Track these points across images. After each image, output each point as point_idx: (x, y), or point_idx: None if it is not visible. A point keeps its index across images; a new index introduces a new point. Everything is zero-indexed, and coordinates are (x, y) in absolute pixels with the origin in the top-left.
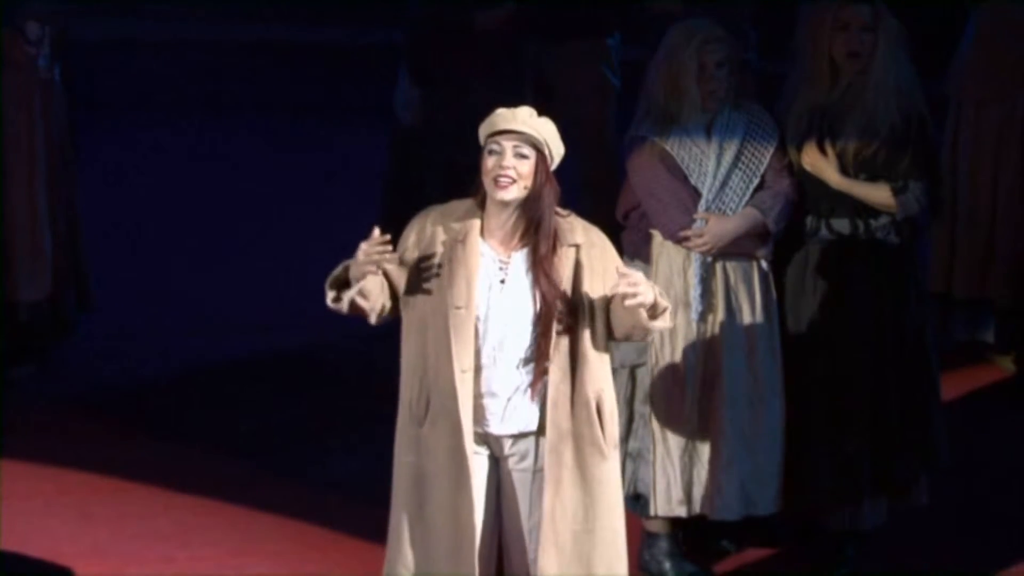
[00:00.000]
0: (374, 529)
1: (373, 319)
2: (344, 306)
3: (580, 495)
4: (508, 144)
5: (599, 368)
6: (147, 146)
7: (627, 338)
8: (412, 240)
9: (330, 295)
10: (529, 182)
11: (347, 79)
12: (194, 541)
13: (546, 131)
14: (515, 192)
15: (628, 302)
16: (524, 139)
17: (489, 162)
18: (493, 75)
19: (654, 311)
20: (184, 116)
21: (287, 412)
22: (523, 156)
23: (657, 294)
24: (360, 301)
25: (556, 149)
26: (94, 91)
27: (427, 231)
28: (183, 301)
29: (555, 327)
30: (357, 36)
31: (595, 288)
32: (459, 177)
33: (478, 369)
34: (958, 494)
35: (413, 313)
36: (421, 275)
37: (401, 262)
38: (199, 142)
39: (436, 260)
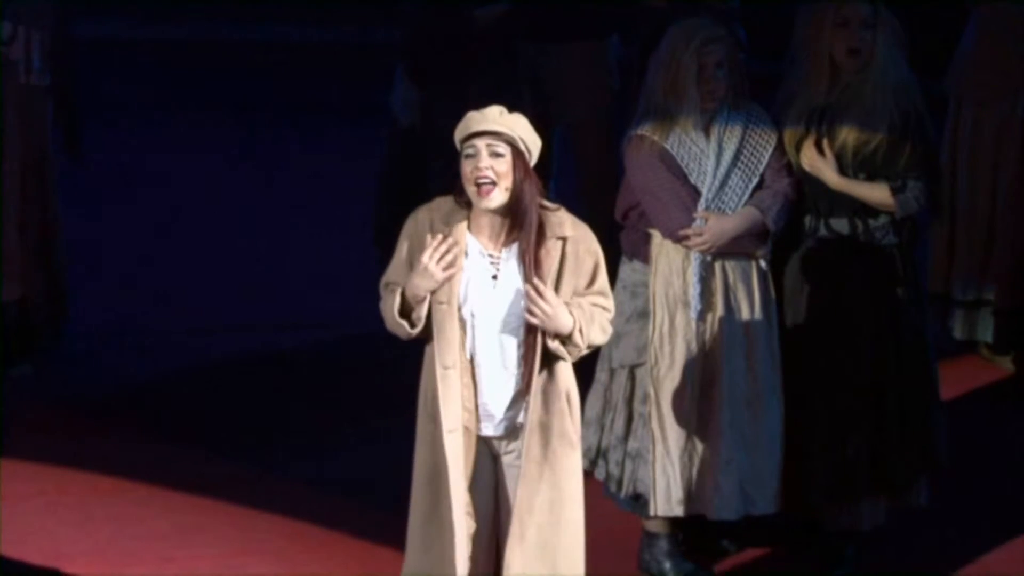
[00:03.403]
0: (374, 529)
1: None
2: (416, 330)
3: (548, 488)
4: (482, 144)
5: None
6: (146, 146)
7: None
8: (407, 244)
9: (403, 325)
10: (508, 181)
11: (346, 79)
12: (194, 541)
13: (518, 127)
14: (497, 197)
15: (527, 316)
16: (497, 138)
17: (467, 166)
18: (491, 75)
19: (568, 338)
20: (183, 116)
21: (287, 412)
22: (498, 155)
23: (578, 330)
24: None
25: (532, 143)
26: (94, 91)
27: (418, 231)
28: (183, 300)
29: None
30: (355, 36)
31: (574, 282)
32: (458, 177)
33: (475, 368)
34: (958, 494)
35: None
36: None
37: (410, 267)
38: (198, 142)
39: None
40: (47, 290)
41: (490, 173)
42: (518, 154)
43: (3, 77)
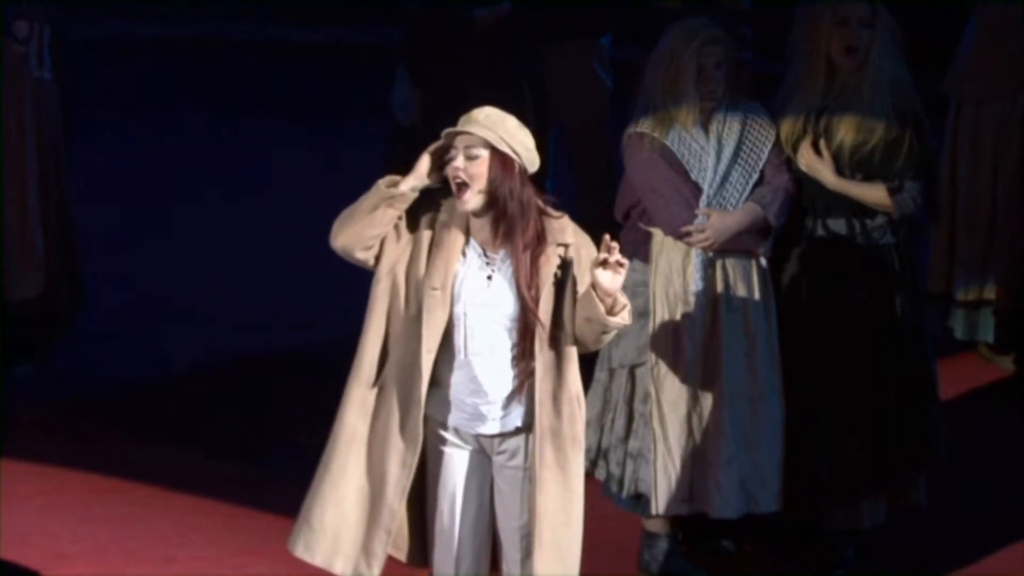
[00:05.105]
0: None
1: (368, 251)
2: (396, 199)
3: (562, 490)
4: (460, 146)
5: (577, 365)
6: (146, 145)
7: (580, 338)
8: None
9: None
10: (483, 182)
11: (346, 79)
12: (194, 541)
13: (501, 129)
14: (473, 199)
15: (602, 278)
16: (474, 139)
17: (447, 167)
18: (491, 74)
19: (612, 306)
20: (183, 116)
21: (287, 412)
22: (473, 157)
23: (619, 290)
24: (389, 211)
25: (520, 145)
26: (94, 91)
27: (424, 208)
28: (182, 301)
29: (537, 325)
30: (356, 36)
31: (578, 288)
32: None
33: (467, 365)
34: (958, 494)
35: (390, 279)
36: (407, 246)
37: (395, 228)
38: (198, 142)
39: (424, 237)
40: (69, 282)
41: (462, 174)
42: (496, 156)
43: (21, 73)
